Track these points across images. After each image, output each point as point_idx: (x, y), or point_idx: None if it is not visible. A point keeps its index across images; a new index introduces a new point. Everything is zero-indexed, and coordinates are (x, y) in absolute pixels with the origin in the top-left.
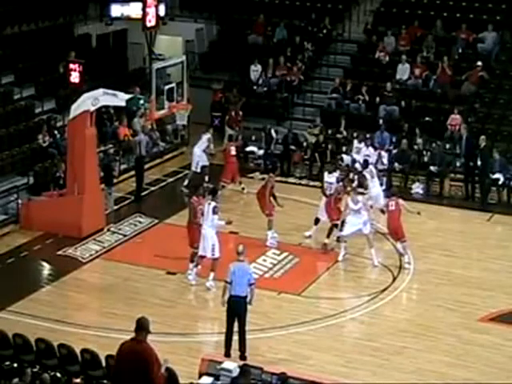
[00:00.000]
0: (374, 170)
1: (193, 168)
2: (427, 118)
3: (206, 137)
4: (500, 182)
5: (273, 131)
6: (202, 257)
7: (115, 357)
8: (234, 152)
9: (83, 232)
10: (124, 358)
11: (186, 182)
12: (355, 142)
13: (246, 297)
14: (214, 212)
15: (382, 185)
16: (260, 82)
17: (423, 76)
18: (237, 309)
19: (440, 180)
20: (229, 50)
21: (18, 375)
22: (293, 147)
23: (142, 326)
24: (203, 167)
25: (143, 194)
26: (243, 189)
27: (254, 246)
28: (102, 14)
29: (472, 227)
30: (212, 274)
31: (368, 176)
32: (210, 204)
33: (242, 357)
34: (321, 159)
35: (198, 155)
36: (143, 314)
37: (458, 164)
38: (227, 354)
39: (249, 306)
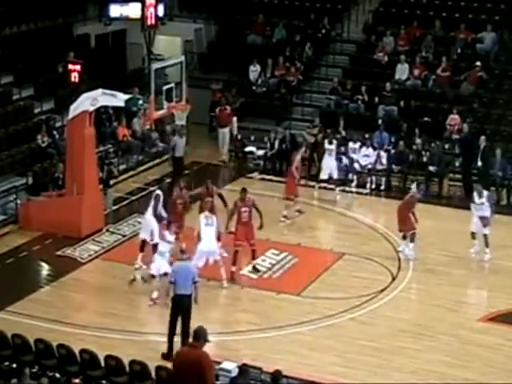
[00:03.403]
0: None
1: None
2: (426, 118)
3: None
4: (505, 183)
5: (276, 142)
6: None
7: (172, 363)
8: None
9: (82, 232)
10: (179, 363)
11: None
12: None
13: (190, 295)
14: None
15: None
16: (259, 82)
17: (422, 76)
18: (181, 307)
19: (439, 180)
20: (228, 50)
21: (16, 376)
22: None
23: (198, 335)
24: None
25: (143, 194)
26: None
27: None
28: (100, 14)
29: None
30: None
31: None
32: None
33: None
34: (319, 159)
35: None
36: (143, 314)
37: (456, 164)
38: (167, 357)
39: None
